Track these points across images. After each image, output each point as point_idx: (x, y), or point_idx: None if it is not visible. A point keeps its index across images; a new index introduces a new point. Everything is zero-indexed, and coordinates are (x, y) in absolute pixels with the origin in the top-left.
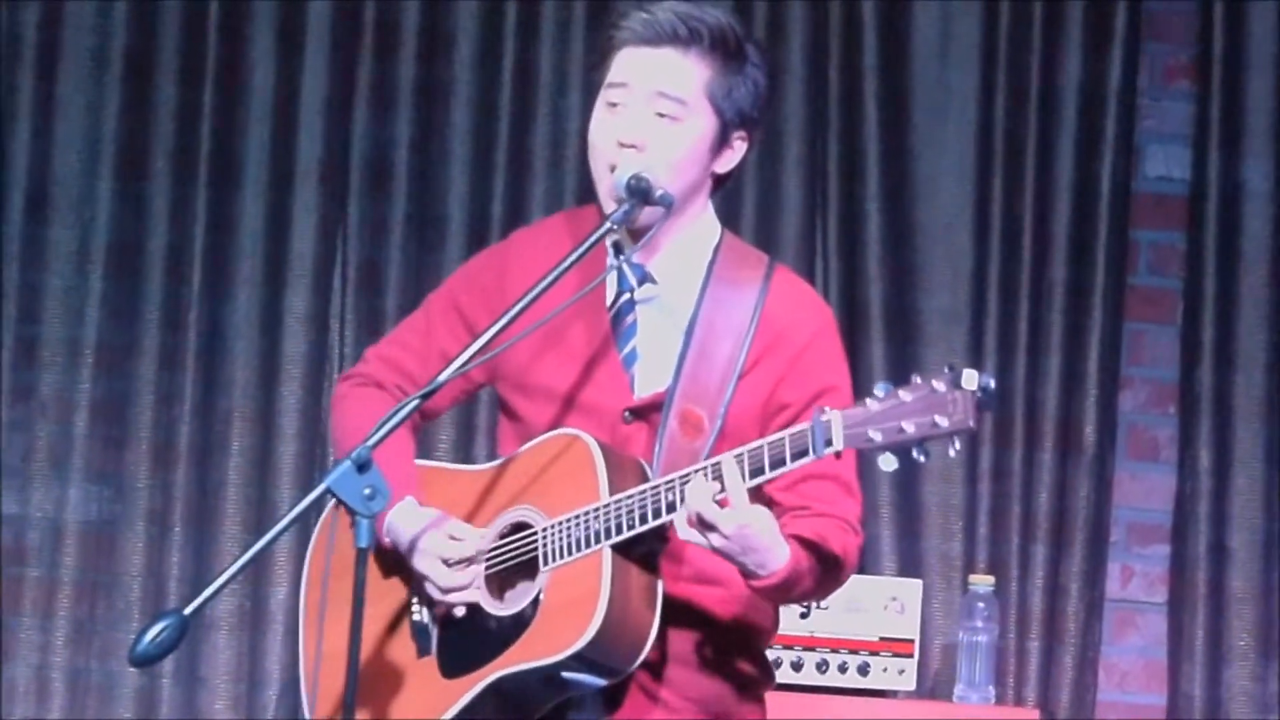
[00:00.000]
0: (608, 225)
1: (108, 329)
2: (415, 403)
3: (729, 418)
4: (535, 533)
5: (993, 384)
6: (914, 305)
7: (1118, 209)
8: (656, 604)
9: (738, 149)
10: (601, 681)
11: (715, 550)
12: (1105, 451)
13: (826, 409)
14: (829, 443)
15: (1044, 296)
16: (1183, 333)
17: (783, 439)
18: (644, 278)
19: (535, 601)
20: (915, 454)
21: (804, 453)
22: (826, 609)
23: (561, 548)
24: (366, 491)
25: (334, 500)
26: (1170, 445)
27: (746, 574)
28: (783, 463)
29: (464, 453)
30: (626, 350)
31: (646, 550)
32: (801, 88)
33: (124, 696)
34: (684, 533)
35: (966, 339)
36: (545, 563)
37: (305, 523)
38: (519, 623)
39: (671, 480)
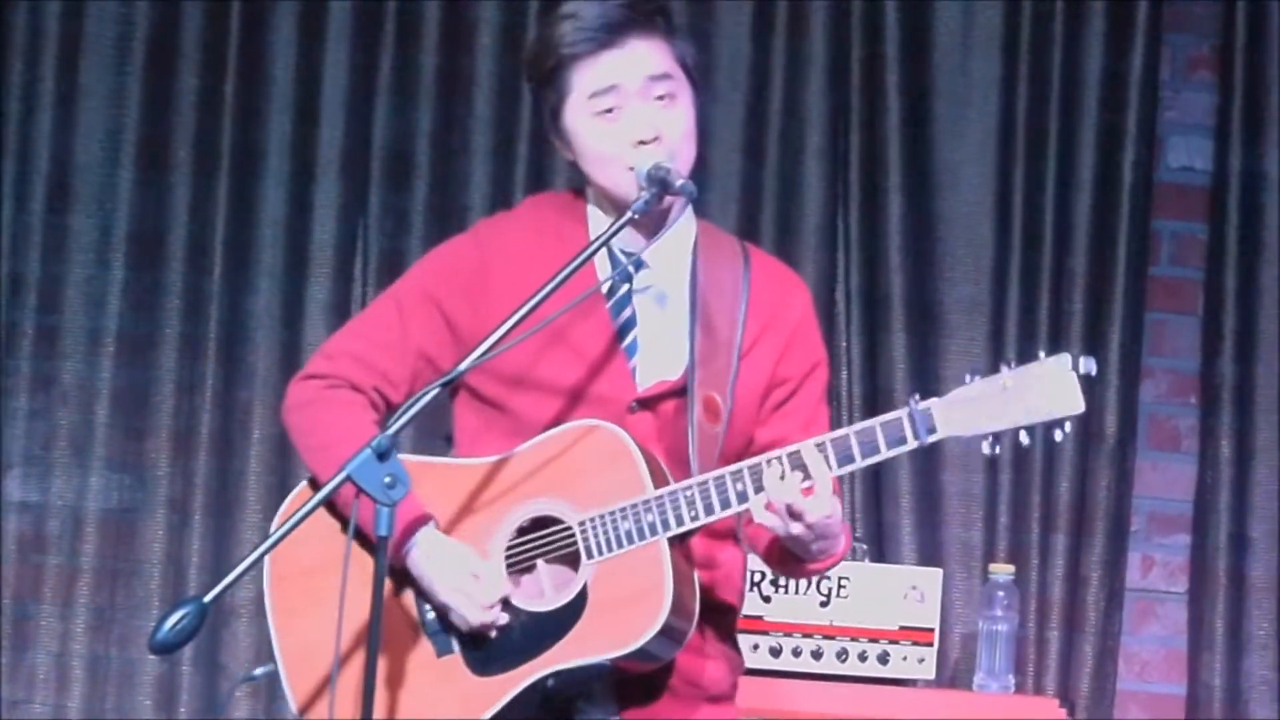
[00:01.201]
0: (629, 215)
1: (129, 318)
2: (435, 390)
3: (736, 398)
4: (565, 527)
5: (1094, 367)
6: (935, 295)
7: (1139, 199)
8: (698, 594)
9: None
10: (644, 668)
11: (788, 536)
12: (1126, 441)
13: (918, 397)
14: (932, 430)
15: (1065, 287)
16: (1204, 323)
17: (873, 428)
18: (640, 265)
19: (580, 596)
20: (1023, 438)
21: (901, 441)
22: (846, 598)
23: (609, 540)
24: (387, 480)
25: (294, 493)
26: (1191, 435)
27: (807, 558)
28: (876, 451)
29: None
30: (628, 341)
31: (687, 543)
32: (823, 78)
33: (144, 684)
34: (760, 516)
35: (988, 329)
36: (589, 556)
37: None
38: (561, 617)
39: (739, 470)
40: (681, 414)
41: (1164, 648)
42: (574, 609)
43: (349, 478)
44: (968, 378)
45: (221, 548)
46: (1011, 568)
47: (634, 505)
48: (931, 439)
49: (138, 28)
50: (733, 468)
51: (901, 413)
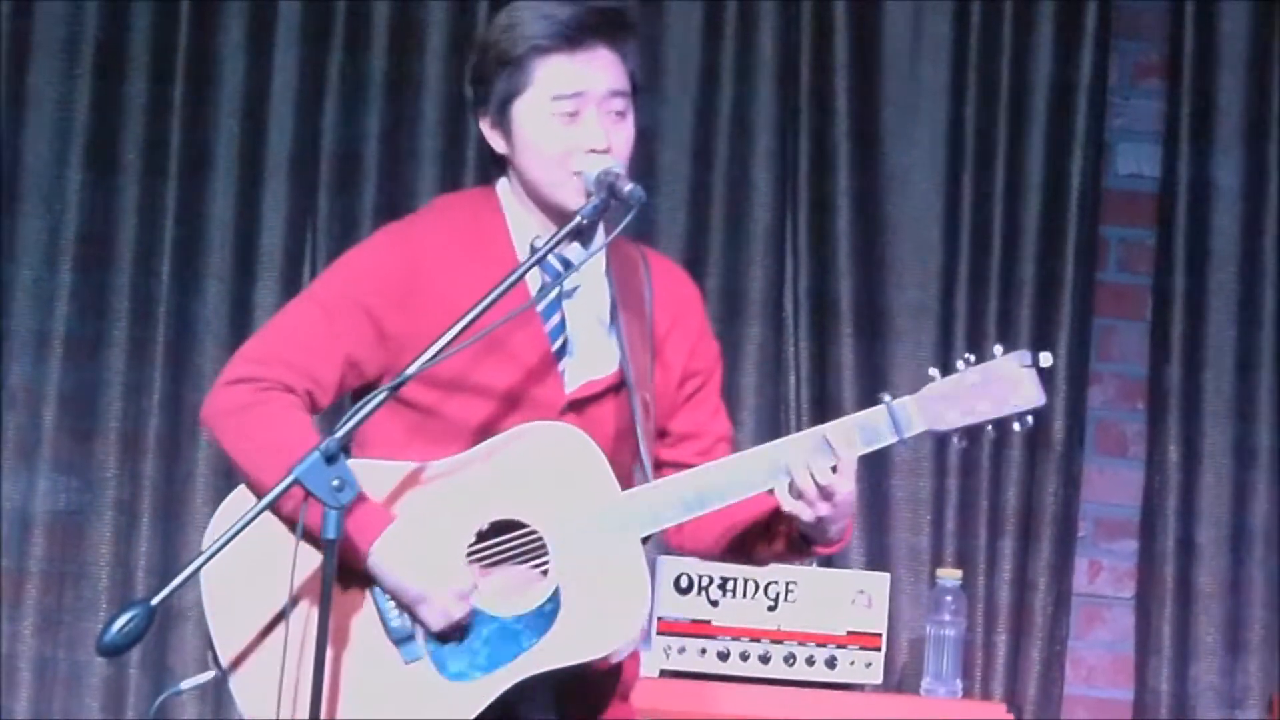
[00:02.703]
0: (579, 219)
1: (77, 321)
2: (384, 395)
3: (656, 396)
4: (531, 530)
5: (1050, 360)
6: (884, 300)
7: (1088, 205)
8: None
9: None
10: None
11: (817, 519)
12: (1074, 446)
13: (891, 394)
14: (908, 427)
15: (1014, 292)
16: (1152, 329)
17: (850, 424)
18: (568, 265)
19: (553, 599)
20: (989, 430)
21: (877, 438)
22: (794, 602)
23: (581, 543)
24: (335, 483)
25: (230, 498)
26: (1139, 441)
27: (823, 540)
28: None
29: None
30: (558, 344)
31: (646, 542)
32: (772, 83)
33: (92, 686)
34: (788, 504)
35: (936, 334)
36: (561, 558)
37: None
38: (536, 621)
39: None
40: (610, 413)
41: (1111, 653)
42: (548, 612)
43: (297, 480)
44: (932, 373)
45: (169, 550)
46: (959, 573)
47: (605, 507)
48: (909, 435)
49: (86, 29)
50: (704, 467)
51: (876, 410)
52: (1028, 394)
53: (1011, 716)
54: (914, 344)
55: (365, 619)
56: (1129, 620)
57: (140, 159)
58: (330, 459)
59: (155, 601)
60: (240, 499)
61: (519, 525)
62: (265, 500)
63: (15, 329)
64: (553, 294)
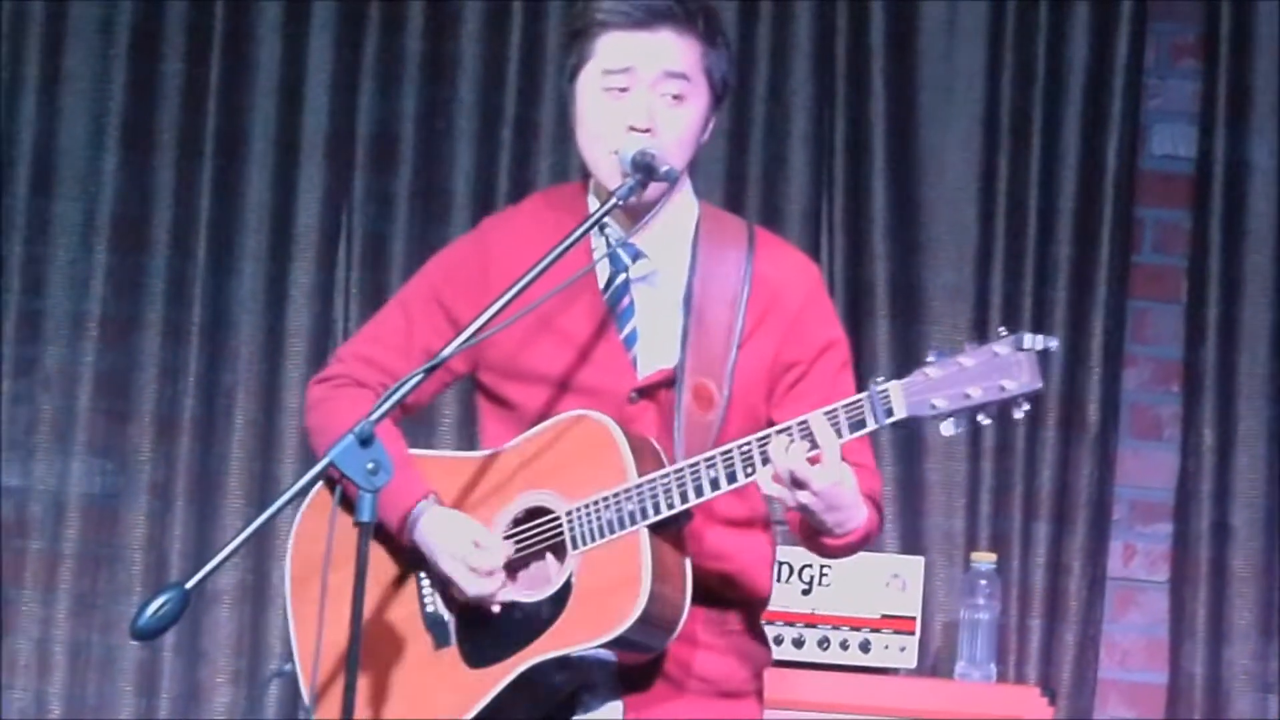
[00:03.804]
0: (613, 201)
1: (112, 303)
2: (419, 377)
3: (735, 386)
4: (555, 517)
5: (1055, 344)
6: (919, 282)
7: (1123, 187)
8: (688, 582)
9: (714, 120)
10: (637, 658)
11: (800, 507)
12: (1108, 429)
13: (880, 379)
14: (890, 412)
15: (1049, 274)
16: (1187, 311)
17: (835, 410)
18: (637, 255)
19: (566, 586)
20: (980, 418)
21: (861, 423)
22: (828, 586)
23: (592, 530)
24: (370, 466)
25: (323, 484)
26: (1173, 423)
27: (824, 531)
28: (839, 434)
29: (468, 430)
30: (626, 331)
31: (677, 529)
32: (808, 64)
33: (125, 670)
34: (766, 488)
35: (971, 316)
36: (574, 546)
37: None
38: (549, 608)
39: (712, 456)
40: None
41: (1145, 636)
42: (560, 599)
43: (331, 463)
44: (929, 357)
45: (203, 534)
46: (993, 556)
47: (615, 494)
48: (889, 421)
49: (122, 11)
50: (707, 454)
51: (862, 395)
52: (1023, 378)
53: (1046, 701)
54: (950, 326)
55: (407, 606)
56: (1163, 603)
57: (175, 140)
58: (365, 442)
59: (189, 585)
60: (324, 495)
61: (548, 512)
62: (299, 484)
63: (51, 310)
64: (620, 279)
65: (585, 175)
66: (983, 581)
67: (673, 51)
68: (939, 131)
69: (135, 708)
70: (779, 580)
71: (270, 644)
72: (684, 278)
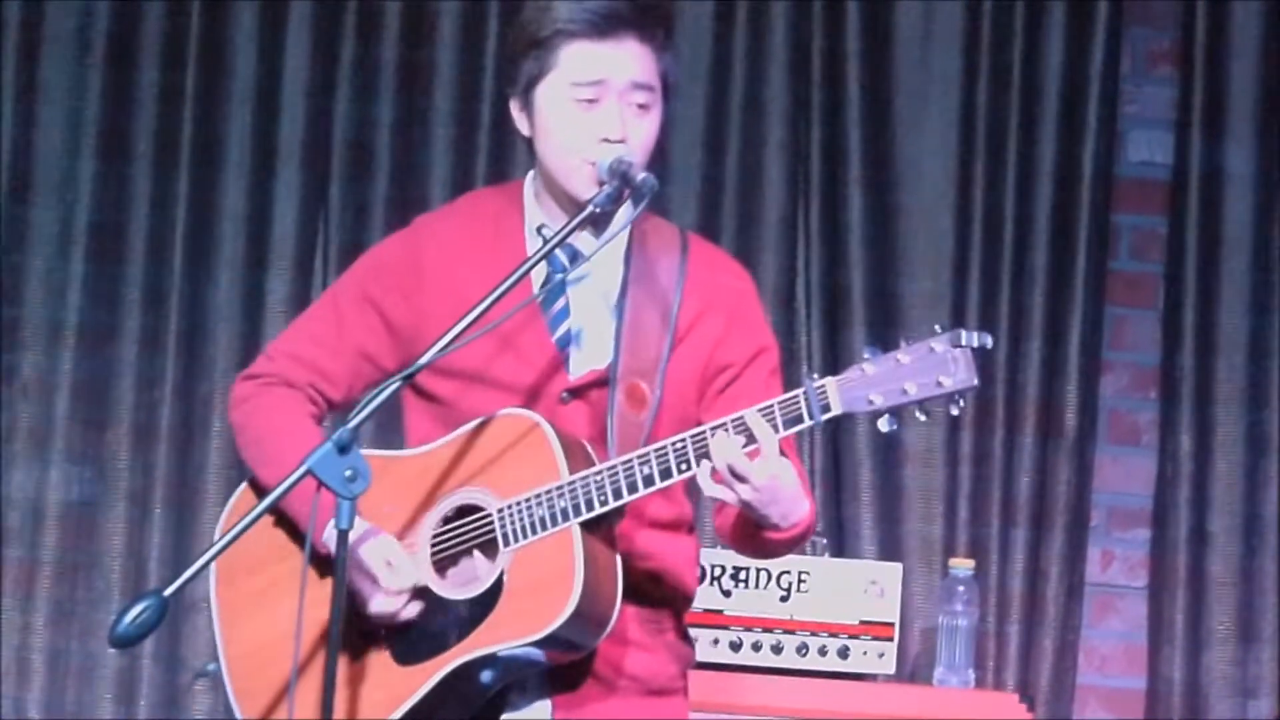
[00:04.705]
0: (590, 209)
1: (89, 311)
2: (396, 385)
3: (667, 386)
4: (487, 515)
5: (990, 341)
6: (895, 289)
7: (1099, 193)
8: (619, 581)
9: None
10: (567, 657)
11: (742, 503)
12: (1086, 436)
13: (815, 375)
14: (826, 408)
15: (1025, 281)
16: (1164, 317)
17: (771, 407)
18: (575, 255)
19: (497, 584)
20: (917, 414)
21: (798, 419)
22: (806, 592)
23: (523, 527)
24: (348, 473)
25: (238, 492)
26: (1151, 430)
27: (767, 525)
28: (775, 430)
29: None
30: (560, 332)
31: (608, 527)
32: (784, 72)
33: (104, 677)
34: (709, 489)
35: (948, 323)
36: (506, 543)
37: None
38: (479, 605)
39: (646, 454)
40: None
41: (1124, 642)
42: (490, 596)
43: (310, 471)
44: (865, 354)
45: (182, 541)
46: (971, 562)
47: (548, 491)
48: (825, 417)
49: (98, 19)
50: (640, 451)
51: (798, 391)
52: (959, 375)
53: (1024, 706)
54: (926, 332)
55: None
56: (1142, 609)
57: (152, 149)
58: (343, 449)
59: (168, 592)
60: (247, 493)
61: (478, 509)
62: (279, 490)
63: (27, 319)
64: (555, 281)
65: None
66: (961, 588)
67: (639, 63)
68: (915, 139)
69: (114, 715)
70: (757, 586)
71: None
72: (618, 280)
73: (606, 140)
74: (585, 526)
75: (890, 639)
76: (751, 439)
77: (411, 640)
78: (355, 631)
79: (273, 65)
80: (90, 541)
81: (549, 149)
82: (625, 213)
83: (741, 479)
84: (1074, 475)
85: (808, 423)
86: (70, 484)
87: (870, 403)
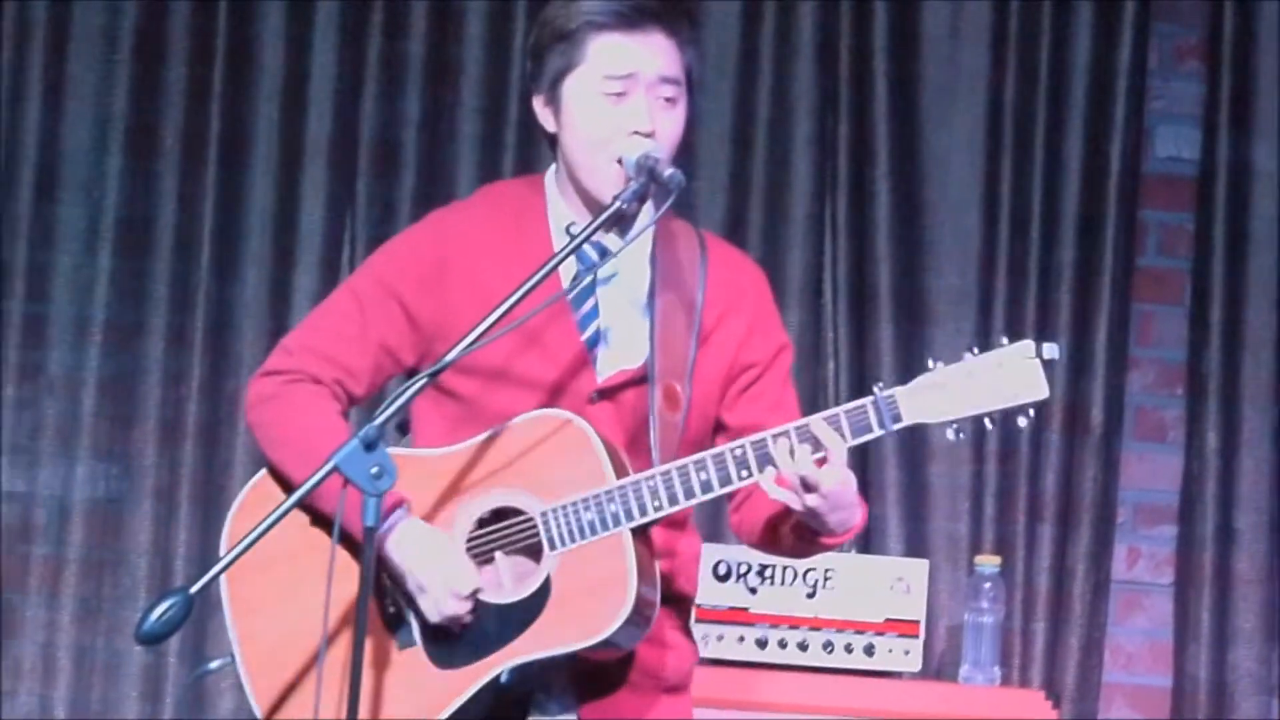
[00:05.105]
0: (618, 204)
1: (116, 307)
2: (423, 382)
3: (695, 386)
4: (528, 518)
5: (1058, 352)
6: (922, 285)
7: (1127, 190)
8: (659, 583)
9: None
10: (603, 659)
11: (806, 509)
12: (1112, 432)
13: (881, 385)
14: (898, 418)
15: (1052, 277)
16: (1191, 314)
17: (837, 415)
18: (604, 253)
19: (543, 587)
20: (986, 423)
21: (867, 429)
22: (832, 590)
23: (570, 531)
24: (374, 470)
25: (251, 483)
26: (1177, 426)
27: (824, 531)
28: (843, 439)
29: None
30: (589, 332)
31: (648, 531)
32: (812, 66)
33: (130, 674)
34: (774, 493)
35: (975, 319)
36: (552, 547)
37: None
38: (521, 609)
39: (702, 459)
40: (642, 402)
41: (1150, 639)
42: (537, 601)
43: (336, 468)
44: (930, 364)
45: (208, 538)
46: (997, 559)
47: (596, 496)
48: (896, 427)
49: (126, 15)
50: (695, 457)
51: (866, 401)
52: (1031, 386)
53: (1050, 704)
54: (953, 329)
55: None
56: (1168, 607)
57: (179, 145)
58: (369, 446)
59: (194, 590)
60: (264, 486)
61: (517, 512)
62: (305, 487)
63: (55, 315)
64: (585, 281)
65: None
66: (987, 585)
67: (666, 56)
68: (942, 135)
69: (140, 712)
70: (783, 584)
71: None
72: (645, 280)
73: (637, 133)
74: (631, 532)
75: (916, 636)
76: (817, 447)
77: (450, 643)
78: (385, 633)
79: (300, 62)
80: (116, 538)
81: (576, 144)
82: (650, 210)
83: (811, 488)
84: (1100, 472)
85: (877, 432)
86: (97, 481)
87: (941, 414)
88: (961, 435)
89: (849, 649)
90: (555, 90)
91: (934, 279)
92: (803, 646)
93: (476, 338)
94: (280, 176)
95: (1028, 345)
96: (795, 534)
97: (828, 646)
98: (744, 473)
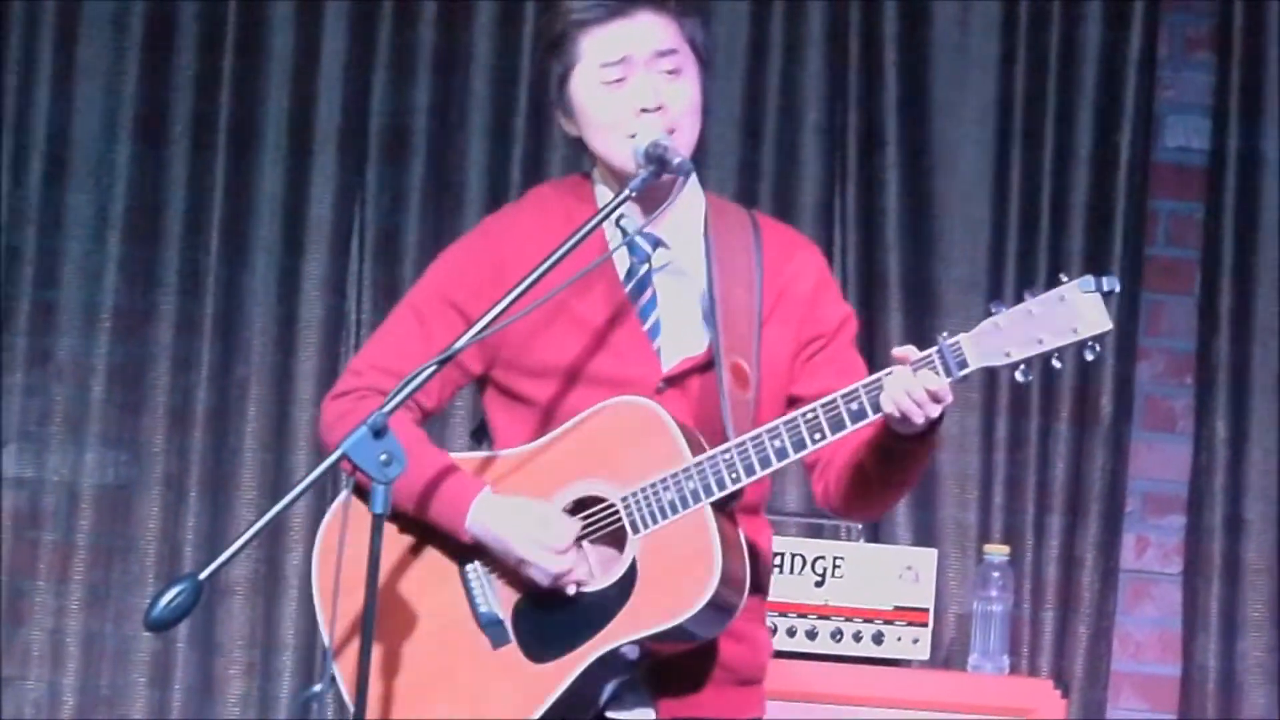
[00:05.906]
0: (627, 192)
1: (125, 294)
2: (432, 368)
3: (763, 364)
4: (610, 505)
5: (1117, 287)
6: (932, 274)
7: (1136, 179)
8: (746, 560)
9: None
10: (687, 646)
11: (930, 421)
12: (1121, 422)
13: (946, 334)
14: (964, 363)
15: (1062, 266)
16: (1200, 303)
17: (906, 371)
18: (657, 243)
19: (630, 571)
20: (1054, 362)
21: (934, 379)
22: (841, 578)
23: (652, 513)
24: (383, 458)
25: (338, 501)
26: (1187, 416)
27: (925, 455)
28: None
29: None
30: (650, 322)
31: (731, 510)
32: (821, 56)
33: (139, 661)
34: (901, 403)
35: (984, 308)
36: (635, 531)
37: (321, 488)
38: (613, 595)
39: (775, 427)
40: (709, 387)
41: (1158, 629)
42: (625, 585)
43: (344, 455)
44: (992, 309)
45: (217, 524)
46: (1006, 548)
47: (674, 474)
48: (963, 373)
49: (135, 2)
50: (769, 426)
51: (931, 351)
52: (1092, 320)
53: (1059, 693)
54: (962, 318)
55: (454, 604)
56: (1176, 596)
57: (189, 132)
58: (378, 433)
59: (203, 576)
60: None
61: (598, 501)
62: (312, 476)
63: (64, 302)
64: (642, 270)
65: (589, 168)
66: (996, 574)
67: (657, 32)
68: (952, 124)
69: (148, 699)
70: (792, 572)
71: (283, 634)
72: (702, 265)
73: (645, 110)
74: (714, 507)
75: (925, 625)
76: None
77: (543, 635)
78: (479, 634)
79: (310, 49)
80: (125, 525)
81: (593, 136)
82: (678, 191)
83: (939, 399)
84: (1109, 461)
85: (945, 381)
86: (106, 467)
87: (1007, 355)
88: (1029, 376)
89: (857, 637)
90: (563, 95)
91: (943, 268)
92: (811, 635)
93: (485, 326)
94: (290, 163)
95: (1087, 280)
96: (885, 458)
97: (836, 635)
98: (817, 435)
